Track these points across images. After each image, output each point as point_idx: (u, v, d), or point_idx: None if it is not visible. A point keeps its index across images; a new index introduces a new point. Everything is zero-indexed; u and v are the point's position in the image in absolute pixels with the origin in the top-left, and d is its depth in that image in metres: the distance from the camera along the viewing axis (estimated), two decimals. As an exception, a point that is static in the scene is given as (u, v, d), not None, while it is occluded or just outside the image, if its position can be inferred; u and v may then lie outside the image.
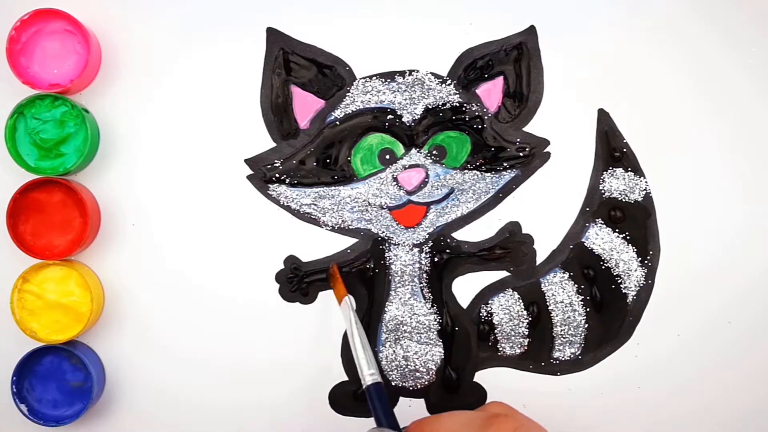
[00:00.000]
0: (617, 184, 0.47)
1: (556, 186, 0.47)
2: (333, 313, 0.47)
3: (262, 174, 0.47)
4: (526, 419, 0.36)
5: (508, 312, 0.47)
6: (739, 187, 0.47)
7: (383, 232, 0.47)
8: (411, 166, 0.46)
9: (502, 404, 0.39)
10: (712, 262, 0.47)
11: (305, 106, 0.47)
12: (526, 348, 0.47)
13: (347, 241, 0.47)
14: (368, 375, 0.40)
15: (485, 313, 0.47)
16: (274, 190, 0.47)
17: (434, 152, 0.46)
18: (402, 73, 0.47)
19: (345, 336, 0.47)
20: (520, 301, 0.47)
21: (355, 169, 0.46)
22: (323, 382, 0.47)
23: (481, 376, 0.47)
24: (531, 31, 0.47)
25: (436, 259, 0.47)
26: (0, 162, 0.46)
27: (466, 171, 0.47)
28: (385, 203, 0.46)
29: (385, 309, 0.47)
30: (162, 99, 0.47)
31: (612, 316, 0.47)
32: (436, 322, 0.47)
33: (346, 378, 0.47)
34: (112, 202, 0.46)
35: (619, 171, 0.47)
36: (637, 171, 0.47)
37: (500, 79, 0.47)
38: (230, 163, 0.47)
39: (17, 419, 0.45)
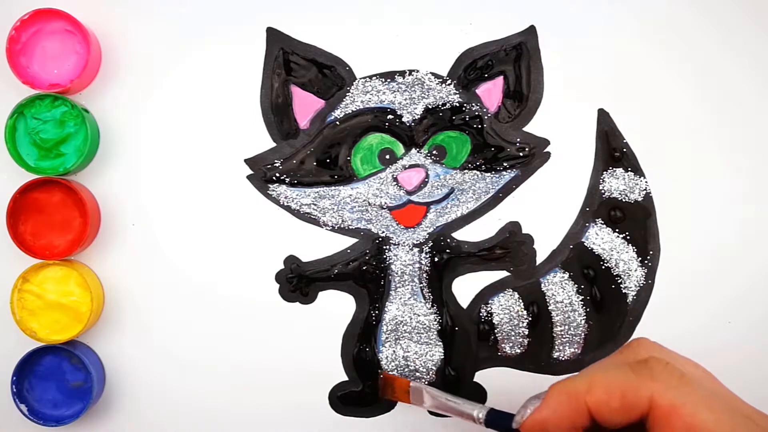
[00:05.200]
0: (617, 184, 0.47)
1: (556, 186, 0.47)
2: (333, 313, 0.47)
3: (262, 174, 0.47)
4: (674, 355, 0.34)
5: (508, 312, 0.47)
6: (739, 187, 0.47)
7: (383, 232, 0.47)
8: (411, 166, 0.46)
9: (645, 341, 0.36)
10: (712, 262, 0.47)
11: (305, 106, 0.47)
12: (526, 348, 0.47)
13: (347, 241, 0.47)
14: (478, 413, 0.39)
15: (485, 313, 0.47)
16: (274, 190, 0.47)
17: (434, 152, 0.46)
18: (402, 73, 0.47)
19: (345, 336, 0.47)
20: (520, 301, 0.47)
21: (355, 169, 0.46)
22: (323, 382, 0.47)
23: (481, 376, 0.47)
24: (531, 31, 0.47)
25: (436, 259, 0.47)
26: (0, 162, 0.46)
27: (466, 171, 0.47)
28: (385, 203, 0.46)
29: (385, 309, 0.47)
30: (162, 99, 0.47)
31: (612, 316, 0.47)
32: (436, 322, 0.47)
33: (346, 378, 0.47)
34: (112, 202, 0.47)
35: (619, 171, 0.47)
36: (637, 171, 0.47)
37: (500, 79, 0.47)
38: (230, 163, 0.47)
39: (17, 419, 0.45)
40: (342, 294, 0.47)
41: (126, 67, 0.47)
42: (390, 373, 0.46)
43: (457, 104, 0.46)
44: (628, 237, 0.47)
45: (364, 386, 0.47)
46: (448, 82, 0.47)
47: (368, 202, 0.46)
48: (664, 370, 0.32)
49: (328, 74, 0.47)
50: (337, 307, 0.47)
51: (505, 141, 0.47)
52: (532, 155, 0.47)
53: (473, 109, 0.46)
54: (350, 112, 0.47)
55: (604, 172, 0.47)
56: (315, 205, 0.47)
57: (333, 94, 0.47)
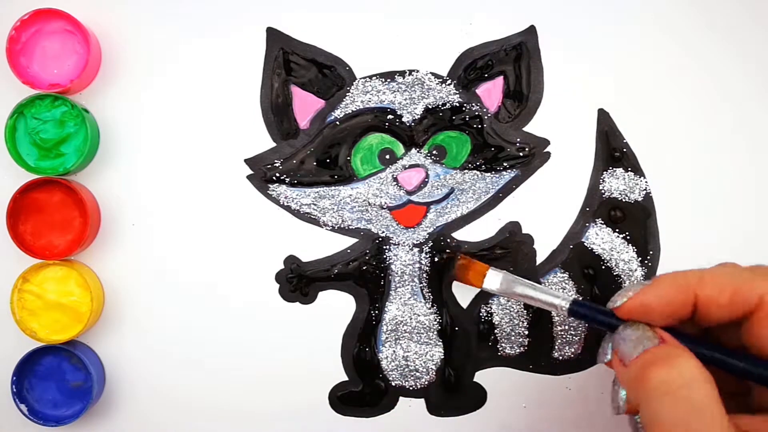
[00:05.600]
0: (617, 184, 0.47)
1: (556, 186, 0.47)
2: (333, 313, 0.47)
3: (262, 174, 0.47)
4: None
5: (508, 312, 0.47)
6: (739, 187, 0.47)
7: (383, 232, 0.47)
8: (411, 166, 0.46)
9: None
10: (712, 262, 0.47)
11: (305, 106, 0.47)
12: (526, 348, 0.47)
13: (347, 241, 0.47)
14: (562, 303, 0.40)
15: (485, 313, 0.47)
16: (274, 190, 0.47)
17: (434, 152, 0.46)
18: (402, 73, 0.47)
19: (345, 336, 0.47)
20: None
21: (355, 169, 0.46)
22: (323, 382, 0.47)
23: (481, 376, 0.47)
24: (531, 31, 0.47)
25: (436, 259, 0.47)
26: (0, 162, 0.46)
27: (466, 171, 0.47)
28: (385, 203, 0.46)
29: (385, 309, 0.47)
30: (162, 99, 0.47)
31: (612, 316, 0.47)
32: (436, 322, 0.47)
33: (346, 378, 0.47)
34: (112, 202, 0.47)
35: (619, 171, 0.47)
36: (637, 171, 0.47)
37: (500, 79, 0.47)
38: (230, 163, 0.47)
39: (17, 419, 0.45)
40: (342, 294, 0.47)
41: (126, 67, 0.47)
42: (466, 256, 0.46)
43: (457, 104, 0.46)
44: (628, 237, 0.47)
45: (364, 386, 0.47)
46: (448, 82, 0.47)
47: (368, 202, 0.46)
48: None
49: (328, 74, 0.47)
50: (337, 307, 0.47)
51: (505, 141, 0.47)
52: (532, 155, 0.47)
53: (473, 109, 0.46)
54: (350, 112, 0.47)
55: (604, 172, 0.47)
56: (315, 205, 0.47)
57: (333, 94, 0.47)
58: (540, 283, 0.46)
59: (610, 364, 0.36)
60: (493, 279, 0.44)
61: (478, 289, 0.46)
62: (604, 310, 0.37)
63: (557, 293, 0.40)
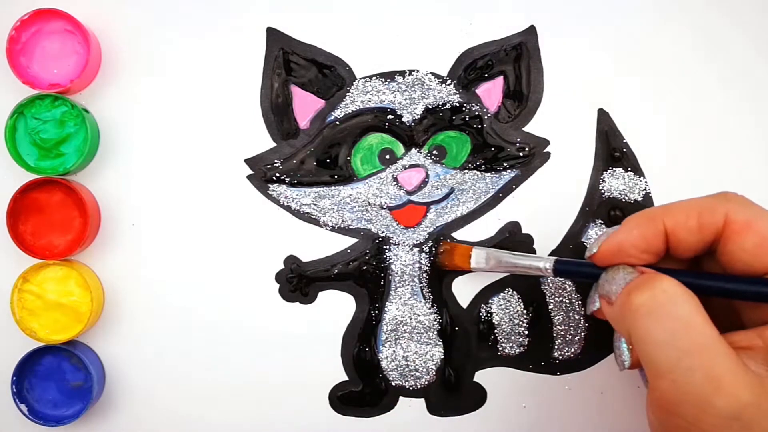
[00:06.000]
0: (617, 184, 0.47)
1: (556, 186, 0.47)
2: (333, 313, 0.47)
3: (262, 174, 0.47)
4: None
5: (508, 312, 0.47)
6: (739, 187, 0.47)
7: (383, 232, 0.47)
8: (411, 166, 0.46)
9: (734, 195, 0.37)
10: (712, 262, 0.47)
11: (305, 106, 0.47)
12: (526, 348, 0.47)
13: (347, 241, 0.47)
14: (546, 265, 0.41)
15: (485, 313, 0.47)
16: (274, 190, 0.47)
17: (434, 152, 0.46)
18: (402, 73, 0.47)
19: (345, 336, 0.47)
20: (520, 301, 0.47)
21: (355, 169, 0.46)
22: (323, 382, 0.47)
23: (481, 376, 0.47)
24: (531, 31, 0.47)
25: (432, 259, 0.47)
26: (0, 162, 0.46)
27: (466, 171, 0.47)
28: (385, 203, 0.46)
29: (385, 309, 0.47)
30: (162, 99, 0.47)
31: (612, 316, 0.47)
32: (436, 322, 0.47)
33: (346, 378, 0.47)
34: (112, 202, 0.47)
35: (619, 171, 0.47)
36: (637, 171, 0.47)
37: (500, 79, 0.47)
38: (230, 163, 0.47)
39: (17, 419, 0.45)
40: (342, 294, 0.47)
41: (126, 67, 0.47)
42: (448, 242, 0.46)
43: (457, 104, 0.46)
44: (628, 237, 0.47)
45: (364, 386, 0.47)
46: (448, 82, 0.47)
47: (368, 202, 0.46)
48: (738, 197, 0.34)
49: (328, 74, 0.47)
50: (337, 307, 0.47)
51: (505, 141, 0.47)
52: (532, 155, 0.47)
53: (473, 109, 0.46)
54: (350, 112, 0.47)
55: (604, 172, 0.47)
56: (315, 205, 0.47)
57: (333, 94, 0.47)
58: (540, 284, 0.47)
59: (599, 313, 0.37)
60: (479, 257, 0.44)
61: (479, 288, 0.47)
62: (587, 263, 0.38)
63: (541, 257, 0.42)
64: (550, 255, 0.47)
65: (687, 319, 0.31)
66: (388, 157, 0.46)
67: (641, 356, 0.32)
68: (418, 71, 0.47)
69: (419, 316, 0.47)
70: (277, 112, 0.47)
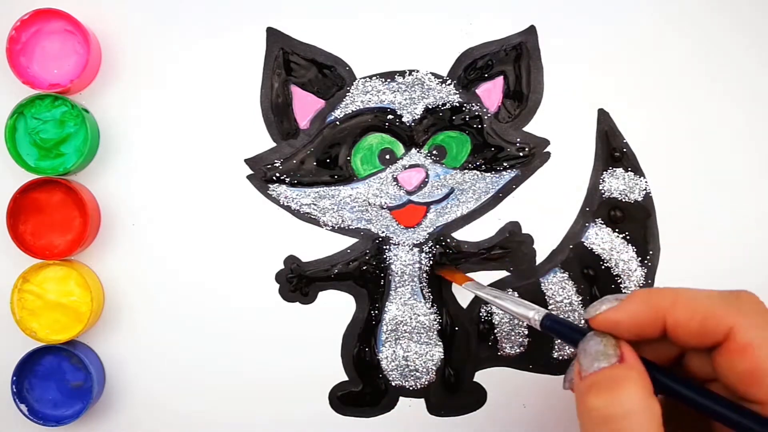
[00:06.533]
0: (617, 184, 0.47)
1: (556, 186, 0.47)
2: (333, 313, 0.47)
3: (262, 174, 0.47)
4: None
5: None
6: (739, 187, 0.47)
7: (383, 232, 0.47)
8: (411, 166, 0.46)
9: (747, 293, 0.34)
10: (712, 263, 0.47)
11: (305, 106, 0.47)
12: (526, 348, 0.47)
13: (347, 241, 0.47)
14: (534, 315, 0.38)
15: (485, 313, 0.47)
16: (274, 190, 0.47)
17: (434, 152, 0.46)
18: (402, 73, 0.47)
19: (345, 336, 0.47)
20: (520, 301, 0.47)
21: (355, 169, 0.46)
22: (323, 382, 0.47)
23: (481, 376, 0.47)
24: (531, 31, 0.47)
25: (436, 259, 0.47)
26: (0, 162, 0.46)
27: (466, 171, 0.47)
28: (385, 203, 0.46)
29: (385, 309, 0.47)
30: (162, 99, 0.47)
31: (612, 316, 0.47)
32: (436, 322, 0.47)
33: (346, 378, 0.47)
34: (112, 202, 0.47)
35: (619, 171, 0.47)
36: (637, 171, 0.47)
37: (500, 79, 0.47)
38: (230, 163, 0.47)
39: (17, 419, 0.45)
40: (342, 294, 0.47)
41: (126, 67, 0.47)
42: (445, 269, 0.46)
43: (457, 104, 0.46)
44: (628, 237, 0.47)
45: (364, 386, 0.47)
46: (448, 82, 0.47)
47: (368, 202, 0.46)
48: (753, 306, 0.31)
49: (328, 74, 0.47)
50: (337, 307, 0.47)
51: (505, 141, 0.47)
52: (532, 155, 0.47)
53: (473, 109, 0.46)
54: (350, 112, 0.47)
55: (604, 172, 0.47)
56: (315, 205, 0.47)
57: (333, 94, 0.47)
58: (540, 284, 0.47)
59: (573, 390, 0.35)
60: (473, 287, 0.43)
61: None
62: (574, 326, 0.36)
63: (532, 306, 0.39)
64: (550, 255, 0.47)
65: None
66: (388, 157, 0.46)
67: None
68: (418, 71, 0.47)
69: (419, 316, 0.47)
70: (277, 112, 0.47)
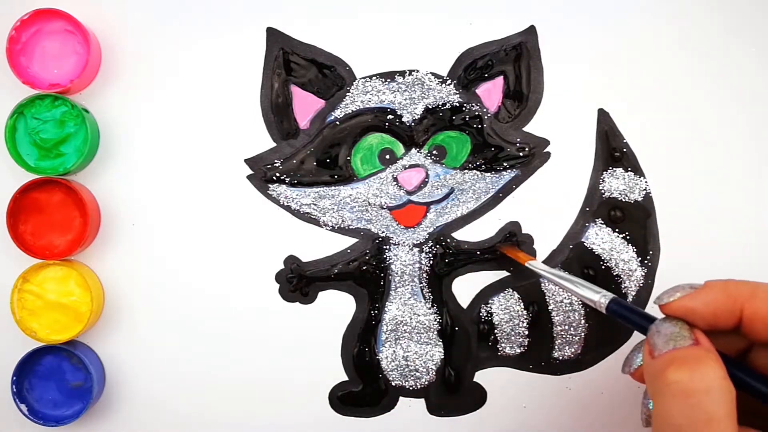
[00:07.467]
0: (617, 184, 0.47)
1: (556, 186, 0.47)
2: (333, 313, 0.47)
3: (262, 174, 0.47)
4: None
5: (508, 312, 0.47)
6: (739, 187, 0.47)
7: (383, 232, 0.47)
8: (411, 166, 0.46)
9: None
10: (712, 262, 0.47)
11: (305, 106, 0.47)
12: (526, 348, 0.47)
13: (347, 241, 0.47)
14: (600, 299, 0.37)
15: (485, 313, 0.47)
16: (274, 190, 0.47)
17: (434, 152, 0.46)
18: (402, 73, 0.47)
19: (345, 336, 0.47)
20: (520, 301, 0.47)
21: (355, 169, 0.46)
22: (323, 382, 0.47)
23: (481, 376, 0.47)
24: (531, 31, 0.47)
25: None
26: (0, 162, 0.46)
27: (466, 171, 0.47)
28: (385, 203, 0.46)
29: (385, 309, 0.47)
30: (162, 99, 0.47)
31: (612, 316, 0.47)
32: (436, 322, 0.47)
33: (346, 378, 0.47)
34: (112, 202, 0.47)
35: (619, 171, 0.47)
36: (637, 171, 0.47)
37: (500, 79, 0.47)
38: (230, 163, 0.47)
39: (17, 419, 0.45)
40: (342, 294, 0.47)
41: (126, 67, 0.47)
42: (507, 247, 0.46)
43: (457, 104, 0.46)
44: (628, 237, 0.47)
45: (364, 386, 0.47)
46: (448, 82, 0.47)
47: (368, 202, 0.46)
48: None
49: (328, 74, 0.47)
50: (337, 307, 0.47)
51: (505, 141, 0.47)
52: (532, 155, 0.47)
53: (473, 109, 0.46)
54: (350, 112, 0.47)
55: (604, 172, 0.47)
56: (315, 205, 0.47)
57: (333, 94, 0.47)
58: (540, 283, 0.47)
59: (634, 375, 0.35)
60: (537, 264, 0.43)
61: (479, 288, 0.47)
62: (641, 312, 0.36)
63: (599, 290, 0.38)
64: (550, 255, 0.47)
65: (713, 415, 0.29)
66: (388, 157, 0.46)
67: (653, 426, 0.31)
68: (418, 71, 0.47)
69: (419, 316, 0.47)
70: (277, 112, 0.47)
